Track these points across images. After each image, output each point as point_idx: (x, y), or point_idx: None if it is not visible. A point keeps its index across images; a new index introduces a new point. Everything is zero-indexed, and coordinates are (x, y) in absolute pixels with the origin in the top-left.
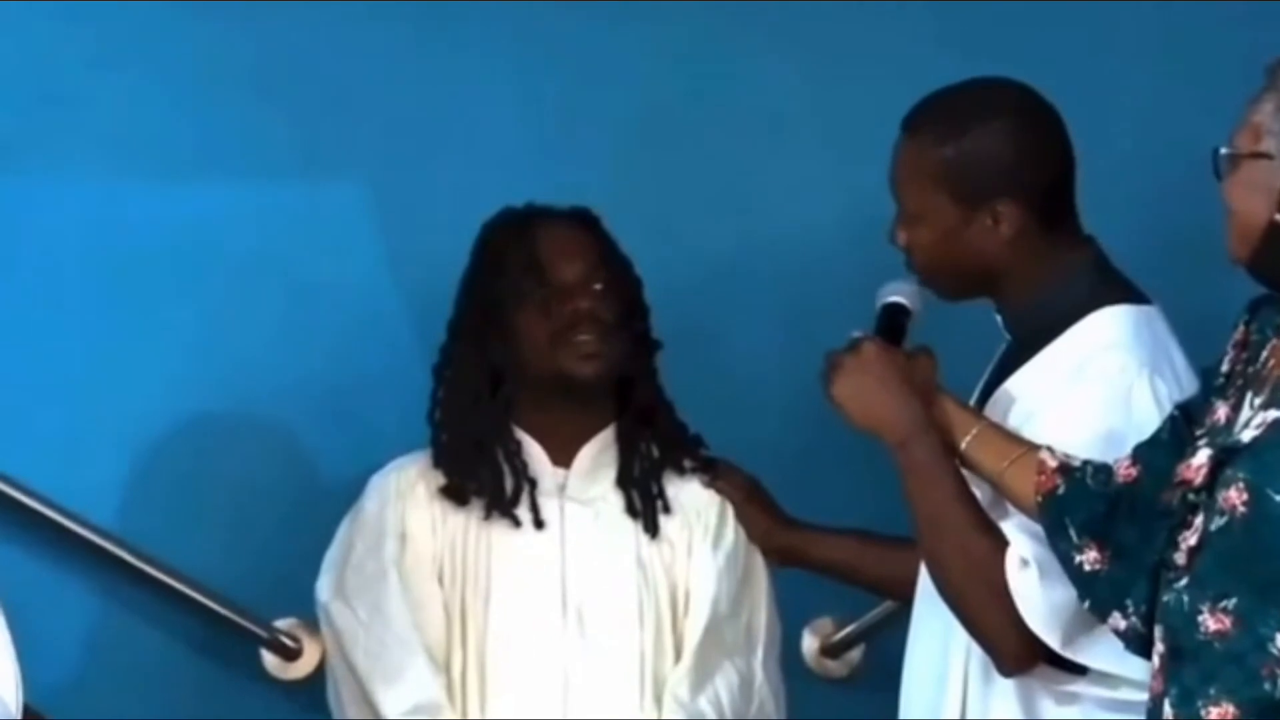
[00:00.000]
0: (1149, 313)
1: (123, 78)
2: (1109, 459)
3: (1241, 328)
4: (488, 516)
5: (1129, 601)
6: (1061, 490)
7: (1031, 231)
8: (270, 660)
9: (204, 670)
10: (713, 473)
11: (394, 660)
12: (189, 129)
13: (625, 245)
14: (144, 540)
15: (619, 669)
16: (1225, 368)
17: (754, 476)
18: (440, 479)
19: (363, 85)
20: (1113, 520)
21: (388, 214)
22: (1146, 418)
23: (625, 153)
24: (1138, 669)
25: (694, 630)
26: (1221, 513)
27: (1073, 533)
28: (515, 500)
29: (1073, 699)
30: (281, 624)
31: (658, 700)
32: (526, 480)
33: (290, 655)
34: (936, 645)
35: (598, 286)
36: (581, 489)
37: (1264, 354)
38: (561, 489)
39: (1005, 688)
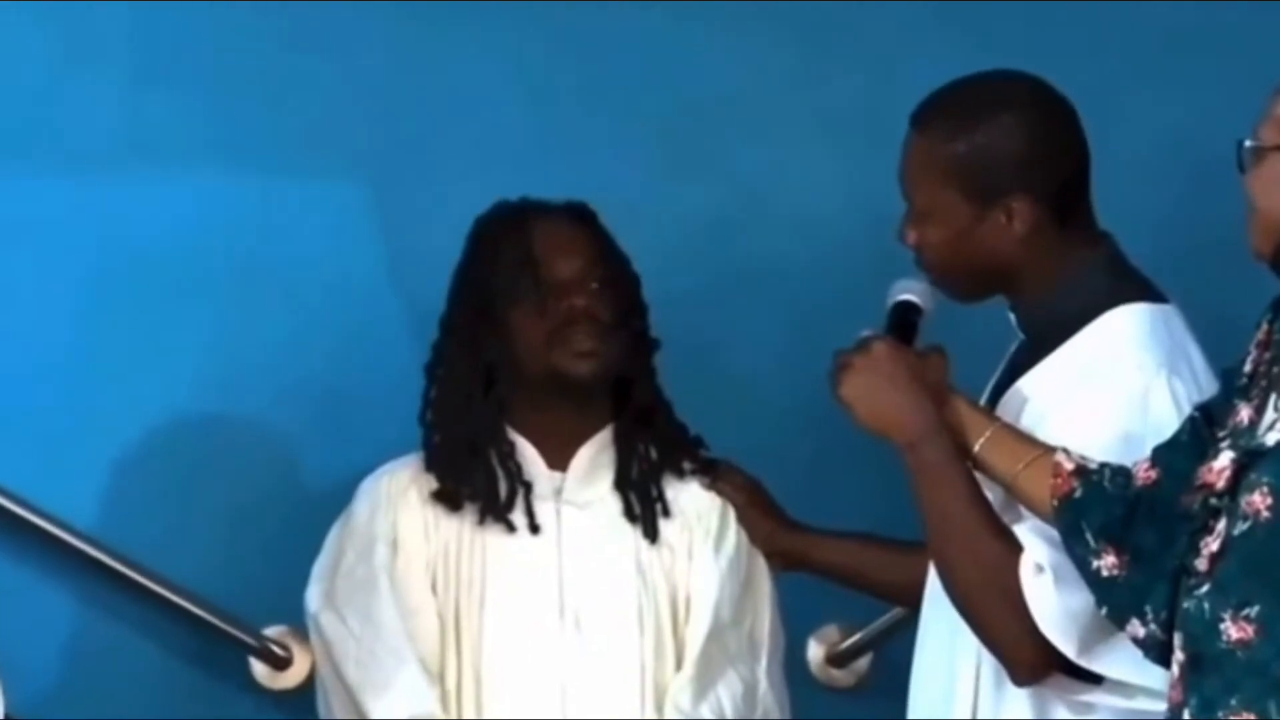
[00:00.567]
0: (1166, 311)
1: (118, 76)
2: (1125, 462)
3: (1265, 327)
4: (482, 521)
5: (1148, 608)
6: (1078, 493)
7: (1046, 228)
8: (260, 669)
9: (192, 679)
10: (714, 475)
11: (386, 671)
12: (185, 128)
13: (623, 241)
14: (131, 547)
15: (618, 677)
16: (1248, 368)
17: (756, 478)
18: (433, 483)
19: (361, 85)
20: (1131, 524)
21: (385, 215)
22: (1164, 419)
23: (625, 151)
24: (1155, 678)
25: (695, 637)
26: (1244, 517)
27: (1090, 537)
28: (510, 504)
29: (1088, 709)
30: (271, 632)
31: (659, 709)
32: (521, 483)
33: (280, 664)
34: (945, 653)
35: (595, 284)
36: (578, 492)
37: None
38: (558, 492)
39: (1018, 697)
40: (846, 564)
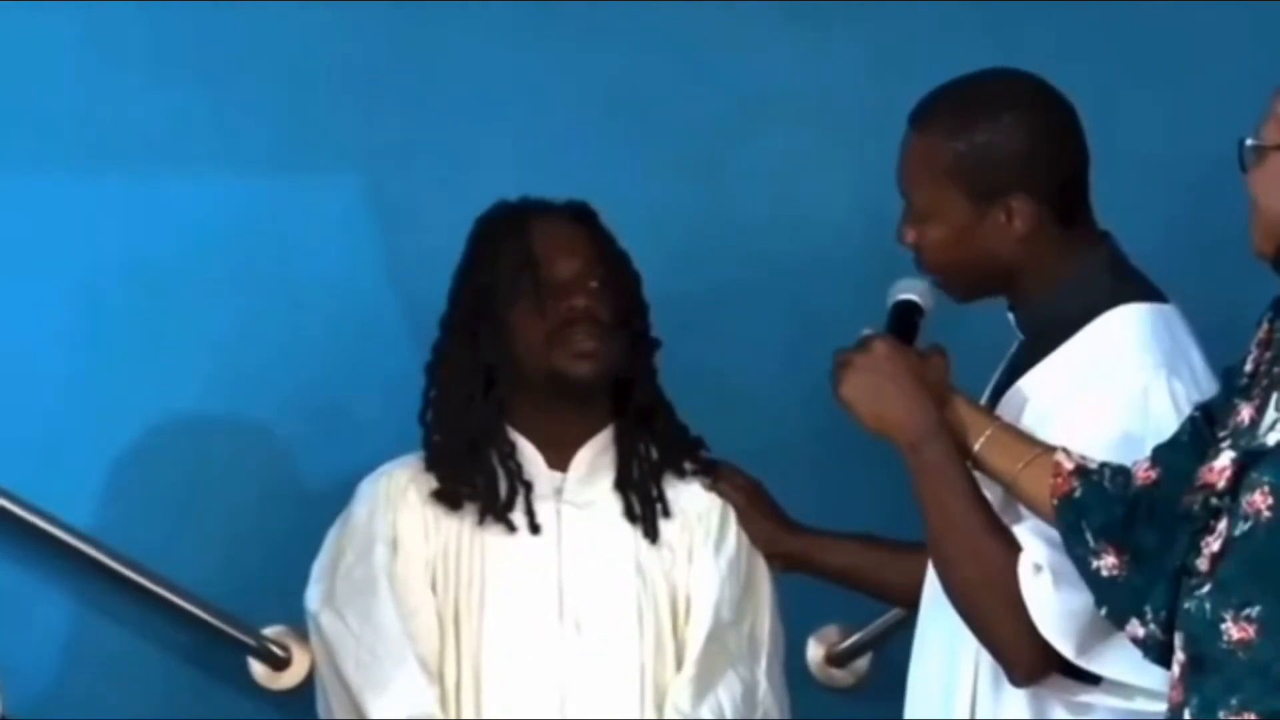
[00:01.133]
0: (1166, 311)
1: (114, 75)
2: (1125, 462)
3: (1266, 326)
4: (482, 521)
5: (1148, 608)
6: (1078, 493)
7: (1046, 228)
8: (259, 669)
9: (191, 679)
10: (714, 475)
11: (385, 671)
12: (185, 128)
13: (624, 241)
14: (130, 547)
15: (618, 678)
16: (1249, 368)
17: (757, 479)
18: (432, 483)
19: (361, 84)
20: (1131, 524)
21: (385, 215)
22: (1164, 419)
23: (626, 151)
24: (1154, 679)
25: (696, 637)
26: (1245, 517)
27: (1089, 537)
28: (510, 504)
29: (1086, 709)
30: (270, 632)
31: (658, 709)
32: (522, 483)
33: (279, 664)
34: (943, 653)
35: (595, 283)
36: (579, 492)
37: None
38: (558, 492)
39: (1016, 697)
40: (847, 565)
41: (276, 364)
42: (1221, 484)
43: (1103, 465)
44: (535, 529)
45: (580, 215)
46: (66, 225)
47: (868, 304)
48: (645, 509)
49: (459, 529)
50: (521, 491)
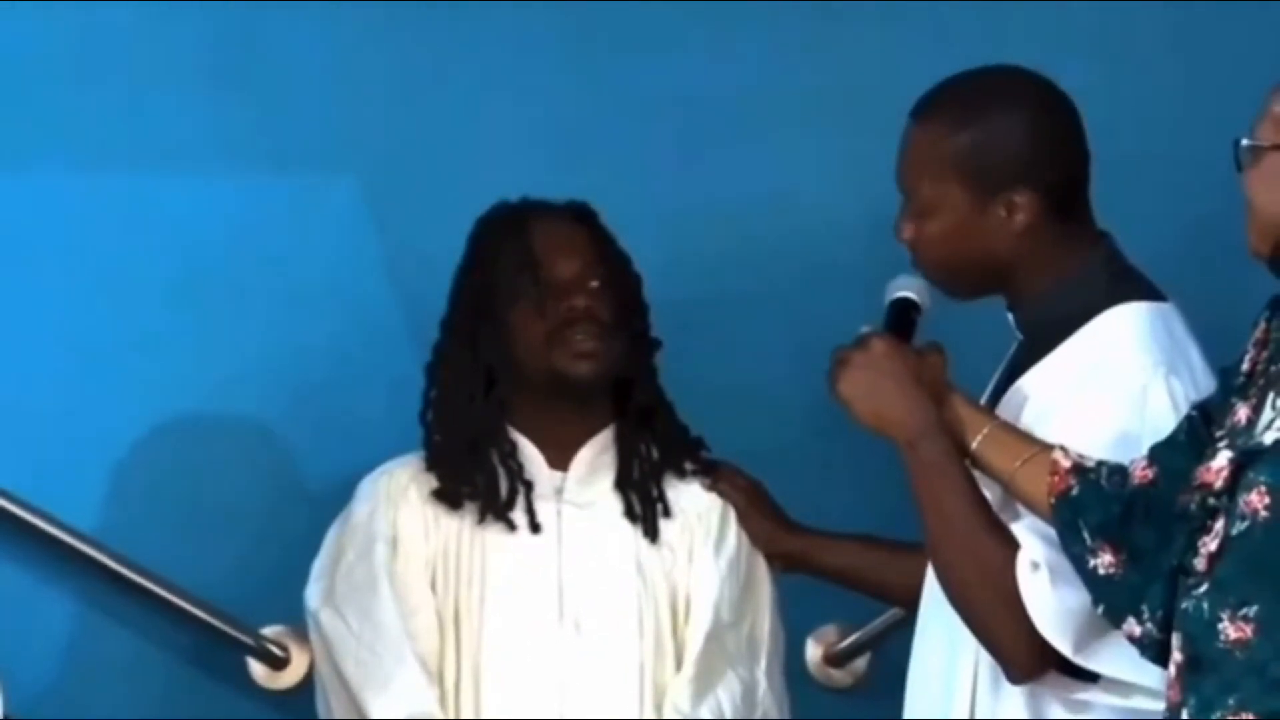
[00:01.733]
0: (1165, 310)
1: (117, 77)
2: (1123, 461)
3: (1263, 325)
4: (482, 520)
5: (1144, 607)
6: (1075, 491)
7: (1045, 225)
8: (258, 669)
9: (190, 679)
10: (714, 475)
11: (385, 669)
12: (185, 128)
13: (624, 241)
14: (128, 546)
15: (618, 677)
16: (1246, 367)
17: (757, 480)
18: (433, 482)
19: (361, 85)
20: (1128, 523)
21: (385, 215)
22: (1162, 418)
23: (625, 148)
24: (1151, 677)
25: (695, 637)
26: (1243, 517)
27: (1086, 535)
28: (510, 503)
29: (1084, 707)
30: (269, 631)
31: (658, 709)
32: (522, 483)
33: (278, 664)
34: (942, 652)
35: (595, 284)
36: (579, 492)
37: None
38: (558, 492)
39: (1014, 695)
40: (846, 565)
41: (277, 364)
42: (1219, 484)
43: (1100, 464)
44: (535, 528)
45: (580, 215)
46: (67, 225)
47: (868, 304)
48: (645, 509)
49: (459, 528)
50: (522, 491)
